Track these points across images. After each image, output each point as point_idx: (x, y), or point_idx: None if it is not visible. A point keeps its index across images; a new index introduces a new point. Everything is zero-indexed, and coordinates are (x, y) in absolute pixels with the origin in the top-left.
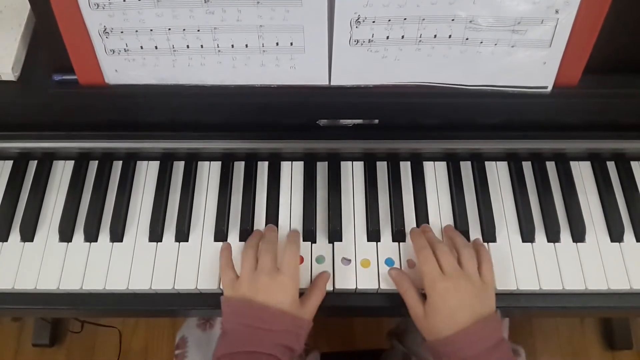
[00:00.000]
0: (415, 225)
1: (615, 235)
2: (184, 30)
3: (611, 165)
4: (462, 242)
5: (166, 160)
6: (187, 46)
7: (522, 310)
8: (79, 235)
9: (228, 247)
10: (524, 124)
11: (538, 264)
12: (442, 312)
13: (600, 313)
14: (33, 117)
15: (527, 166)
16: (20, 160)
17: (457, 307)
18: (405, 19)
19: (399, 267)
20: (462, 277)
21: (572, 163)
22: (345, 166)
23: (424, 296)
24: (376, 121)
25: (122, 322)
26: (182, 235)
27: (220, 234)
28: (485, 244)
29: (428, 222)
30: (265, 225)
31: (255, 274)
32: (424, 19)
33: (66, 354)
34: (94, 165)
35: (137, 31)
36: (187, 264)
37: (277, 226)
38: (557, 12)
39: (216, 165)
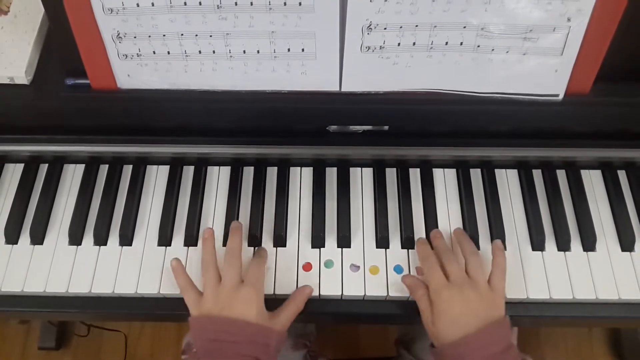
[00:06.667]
0: (424, 233)
1: (626, 244)
2: (196, 35)
3: (622, 174)
4: (470, 249)
5: (176, 165)
6: (199, 51)
7: (532, 320)
8: (88, 238)
9: (180, 265)
10: (534, 131)
11: (548, 273)
12: (447, 318)
13: (611, 323)
14: (45, 121)
15: (537, 174)
16: (31, 164)
17: (461, 314)
18: (416, 25)
19: (410, 274)
20: (467, 284)
21: (582, 171)
22: (355, 172)
23: None
24: (386, 127)
25: (128, 326)
26: (191, 239)
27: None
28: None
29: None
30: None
31: (218, 290)
32: (435, 26)
33: (72, 358)
34: (104, 169)
35: (150, 36)
36: (195, 268)
37: (286, 232)
38: (569, 20)
39: (225, 170)
